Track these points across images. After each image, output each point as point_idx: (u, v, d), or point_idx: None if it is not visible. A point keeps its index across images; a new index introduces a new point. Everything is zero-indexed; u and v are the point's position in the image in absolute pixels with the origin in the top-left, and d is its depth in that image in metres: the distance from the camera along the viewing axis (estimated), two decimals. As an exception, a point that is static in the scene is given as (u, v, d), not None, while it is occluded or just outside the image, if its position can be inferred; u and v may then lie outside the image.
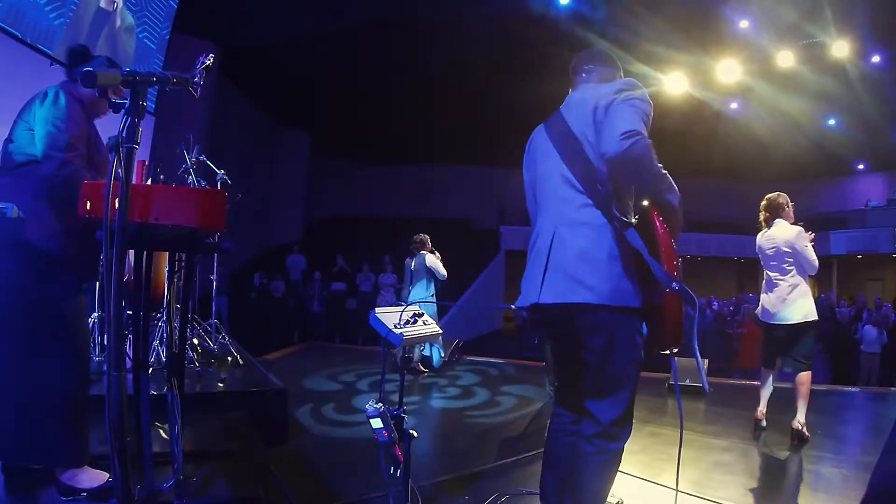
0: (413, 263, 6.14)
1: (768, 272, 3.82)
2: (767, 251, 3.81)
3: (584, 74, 2.04)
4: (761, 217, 3.93)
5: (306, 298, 12.83)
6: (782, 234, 3.76)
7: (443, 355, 6.38)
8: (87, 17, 5.94)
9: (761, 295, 3.90)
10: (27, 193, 1.93)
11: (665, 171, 1.74)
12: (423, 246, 6.15)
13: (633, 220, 1.82)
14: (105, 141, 2.17)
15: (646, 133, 1.70)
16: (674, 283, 1.62)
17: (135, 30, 6.76)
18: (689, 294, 1.62)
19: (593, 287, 1.70)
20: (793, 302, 3.67)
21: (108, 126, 1.84)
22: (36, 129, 1.97)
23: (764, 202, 3.92)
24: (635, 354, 1.78)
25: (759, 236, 3.95)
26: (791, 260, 3.71)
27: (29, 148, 1.98)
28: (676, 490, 1.96)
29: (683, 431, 1.81)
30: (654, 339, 1.81)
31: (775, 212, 3.84)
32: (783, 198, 3.87)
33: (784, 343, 3.74)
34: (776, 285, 3.75)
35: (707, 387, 1.66)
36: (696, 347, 1.67)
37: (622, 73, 2.07)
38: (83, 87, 1.27)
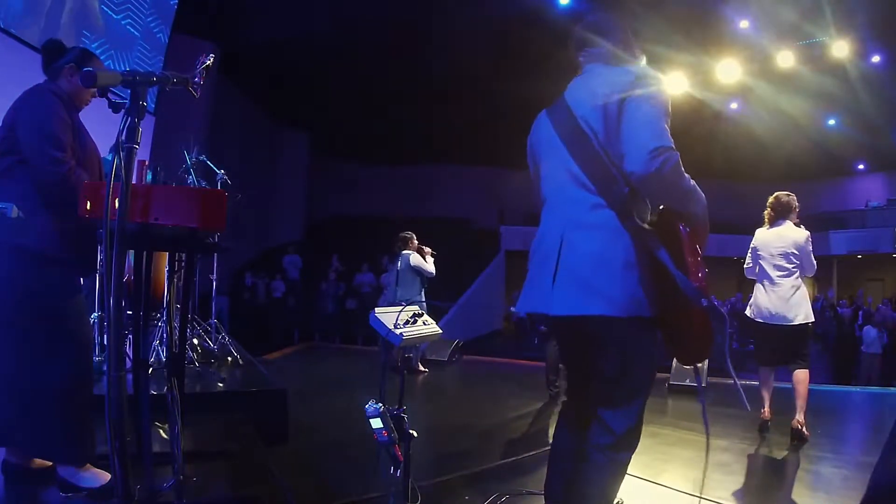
0: (399, 264, 6.04)
1: (769, 271, 3.79)
2: (774, 250, 3.78)
3: (593, 51, 1.84)
4: (767, 214, 3.90)
5: (318, 299, 12.84)
6: (793, 234, 3.77)
7: (423, 356, 6.30)
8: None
9: (758, 294, 3.87)
10: (16, 195, 1.93)
11: (693, 184, 1.61)
12: (405, 244, 6.04)
13: (653, 219, 1.70)
14: (93, 136, 2.17)
15: (669, 133, 1.57)
16: (703, 301, 1.50)
17: None
18: (719, 311, 1.52)
19: (609, 298, 1.58)
20: (796, 303, 3.68)
21: (109, 126, 1.83)
22: (22, 131, 1.96)
23: (773, 200, 3.89)
24: (652, 364, 1.72)
25: (761, 232, 3.92)
26: (797, 262, 3.73)
27: (16, 150, 1.97)
28: (700, 497, 1.91)
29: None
30: (680, 353, 1.72)
31: (784, 212, 3.83)
32: (793, 199, 3.85)
33: (782, 343, 3.74)
34: (777, 285, 3.74)
35: (748, 407, 1.55)
36: (731, 368, 1.54)
37: (634, 47, 1.86)
38: (83, 86, 1.27)
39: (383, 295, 11.30)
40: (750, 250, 3.98)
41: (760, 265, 3.86)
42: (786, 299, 3.69)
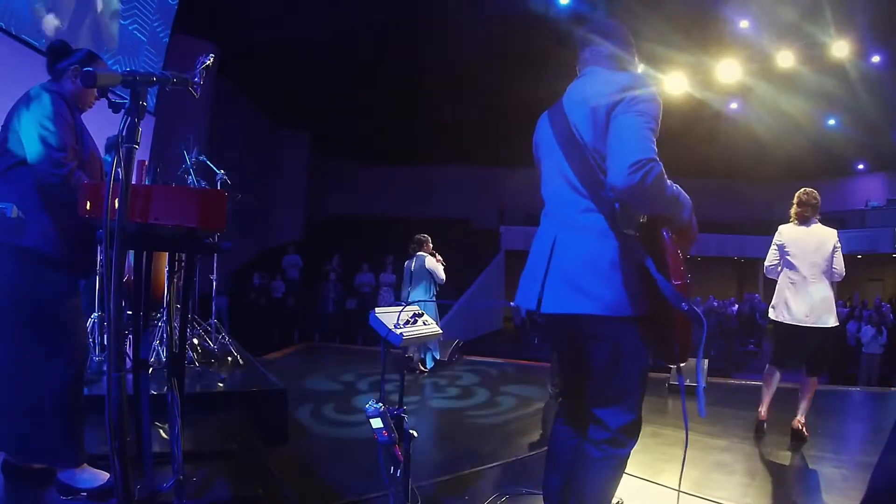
0: (413, 265, 6.04)
1: (804, 271, 3.62)
2: (809, 249, 3.63)
3: (592, 50, 1.86)
4: (798, 211, 3.72)
5: (319, 299, 12.85)
6: (828, 235, 3.64)
7: (437, 357, 6.33)
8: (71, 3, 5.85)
9: (788, 295, 3.66)
10: (17, 195, 1.92)
11: (676, 189, 1.64)
12: (421, 247, 6.05)
13: (641, 222, 1.72)
14: (93, 136, 2.17)
15: (655, 142, 1.58)
16: (683, 304, 1.55)
17: (119, 15, 6.66)
18: (698, 315, 1.56)
19: (596, 297, 1.63)
20: (830, 306, 3.58)
21: (109, 126, 1.83)
22: (24, 132, 1.96)
23: (804, 197, 3.70)
24: (641, 361, 1.73)
25: (791, 230, 3.73)
26: (822, 262, 3.61)
27: (17, 150, 1.97)
28: (679, 490, 1.94)
29: (684, 432, 1.80)
30: (663, 353, 1.74)
31: (816, 210, 3.68)
32: (816, 196, 3.72)
33: (807, 346, 3.63)
34: (812, 285, 3.59)
35: (703, 413, 1.60)
36: (701, 371, 1.62)
37: (634, 52, 1.89)
38: (83, 86, 1.27)
39: (381, 294, 11.35)
40: (776, 247, 3.78)
41: (792, 264, 3.67)
42: (823, 301, 3.56)
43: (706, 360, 4.80)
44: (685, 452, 1.77)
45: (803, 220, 3.71)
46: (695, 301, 1.72)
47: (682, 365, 1.72)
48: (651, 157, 1.55)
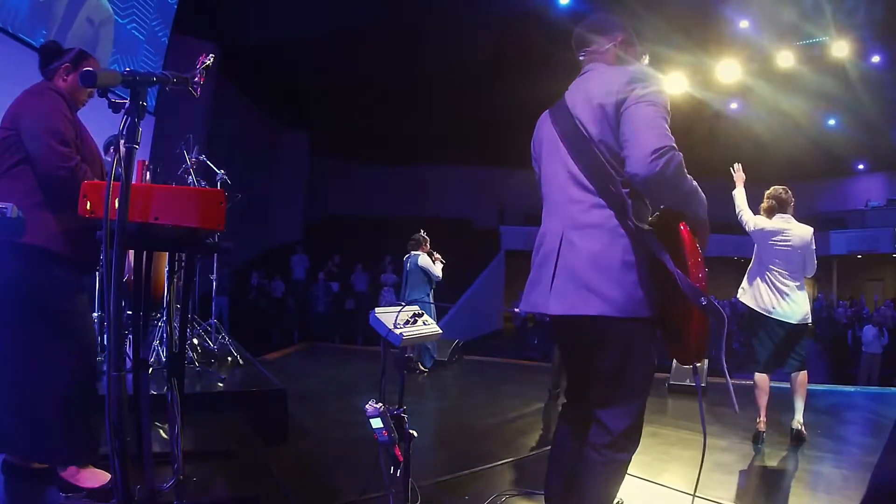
0: (408, 264, 6.04)
1: (773, 267, 3.66)
2: (778, 245, 3.66)
3: (592, 51, 1.85)
4: (766, 206, 3.78)
5: (311, 299, 12.88)
6: (801, 231, 3.66)
7: (435, 356, 6.33)
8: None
9: (761, 287, 3.70)
10: (19, 194, 1.93)
11: (695, 184, 1.62)
12: (417, 245, 6.04)
13: (653, 219, 1.71)
14: (93, 135, 2.17)
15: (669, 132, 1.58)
16: (702, 299, 1.50)
17: (112, 20, 6.61)
18: (718, 311, 1.49)
19: (607, 297, 1.59)
20: (802, 301, 3.61)
21: (109, 126, 1.83)
22: (25, 130, 1.96)
23: (771, 191, 3.78)
24: (649, 364, 1.72)
25: (761, 221, 3.76)
26: (801, 259, 3.64)
27: (18, 149, 1.97)
28: (694, 495, 1.91)
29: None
30: (677, 353, 1.72)
31: (784, 206, 3.73)
32: (790, 194, 3.78)
33: (786, 343, 3.65)
34: (783, 283, 3.63)
35: (736, 409, 1.57)
36: (726, 368, 1.55)
37: (637, 47, 1.87)
38: (83, 85, 1.27)
39: (382, 294, 11.36)
40: (754, 223, 3.79)
41: (769, 253, 3.68)
42: (793, 297, 3.60)
43: (705, 360, 4.79)
44: (703, 456, 1.71)
45: (770, 214, 3.76)
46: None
47: (697, 364, 1.67)
48: (671, 146, 1.55)
